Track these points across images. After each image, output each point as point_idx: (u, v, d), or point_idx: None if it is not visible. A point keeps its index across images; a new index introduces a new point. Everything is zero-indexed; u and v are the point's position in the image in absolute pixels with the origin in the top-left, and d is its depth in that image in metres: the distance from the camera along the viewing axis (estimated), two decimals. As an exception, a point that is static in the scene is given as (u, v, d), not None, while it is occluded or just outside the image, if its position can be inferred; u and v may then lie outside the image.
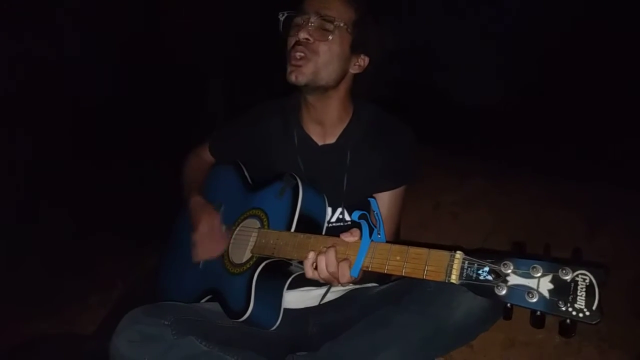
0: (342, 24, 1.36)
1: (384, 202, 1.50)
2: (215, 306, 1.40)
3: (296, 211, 1.33)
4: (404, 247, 1.05)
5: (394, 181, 1.52)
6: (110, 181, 3.67)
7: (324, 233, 1.38)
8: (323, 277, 1.16)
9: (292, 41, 1.39)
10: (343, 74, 1.43)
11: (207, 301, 1.46)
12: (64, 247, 2.97)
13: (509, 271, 0.88)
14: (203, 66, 5.08)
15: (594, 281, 0.81)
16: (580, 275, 0.83)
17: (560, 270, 0.84)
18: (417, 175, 1.57)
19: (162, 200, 2.11)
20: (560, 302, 0.82)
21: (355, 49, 1.41)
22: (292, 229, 1.31)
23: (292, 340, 1.42)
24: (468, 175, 3.06)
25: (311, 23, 1.36)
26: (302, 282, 1.41)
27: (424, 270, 0.99)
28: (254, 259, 1.34)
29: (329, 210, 1.45)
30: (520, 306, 0.86)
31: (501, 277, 0.89)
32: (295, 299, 1.47)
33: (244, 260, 1.38)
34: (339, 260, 1.12)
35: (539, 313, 0.84)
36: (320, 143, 1.53)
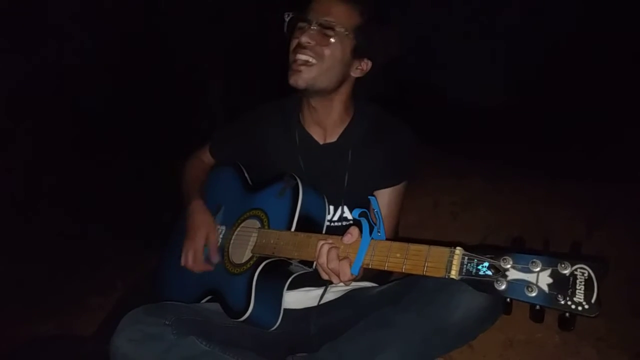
0: (343, 30, 1.36)
1: (384, 199, 1.50)
2: (216, 306, 1.40)
3: (296, 211, 1.33)
4: (404, 244, 1.05)
5: (394, 178, 1.52)
6: (110, 182, 3.67)
7: (324, 232, 1.38)
8: (325, 272, 1.16)
9: (294, 43, 1.39)
10: (344, 78, 1.44)
11: (207, 302, 1.46)
12: (63, 248, 2.97)
13: (508, 266, 0.89)
14: (203, 67, 5.09)
15: (592, 275, 0.82)
16: (579, 269, 0.83)
17: (559, 264, 0.84)
18: (417, 174, 1.57)
19: (162, 201, 2.11)
20: (559, 296, 0.82)
21: (358, 54, 1.41)
22: (293, 229, 1.31)
23: (292, 340, 1.43)
24: (467, 175, 3.07)
25: (313, 27, 1.37)
26: (301, 282, 1.42)
27: (424, 266, 0.99)
28: (254, 259, 1.35)
29: (330, 208, 1.45)
30: (519, 300, 0.86)
31: (500, 272, 0.89)
32: (295, 299, 1.47)
33: (244, 260, 1.39)
34: (339, 258, 1.12)
35: (538, 307, 0.85)
36: (321, 142, 1.54)
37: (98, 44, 4.39)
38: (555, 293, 0.83)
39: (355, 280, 1.17)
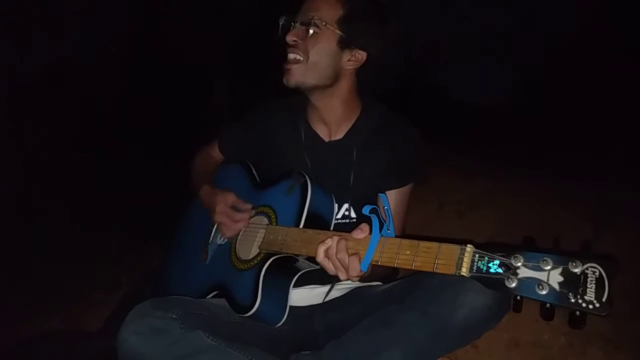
0: (322, 22, 1.39)
1: (391, 200, 1.49)
2: (222, 302, 1.40)
3: (305, 208, 1.33)
4: (414, 242, 1.05)
5: (399, 180, 1.52)
6: (116, 179, 3.68)
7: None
8: (333, 262, 1.16)
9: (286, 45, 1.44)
10: (336, 72, 1.44)
11: (213, 297, 1.46)
12: (69, 244, 2.98)
13: (519, 264, 0.88)
14: (208, 66, 5.10)
15: (603, 274, 0.82)
16: (590, 268, 0.83)
17: (570, 262, 0.84)
18: (423, 176, 1.57)
19: (168, 198, 2.12)
20: (570, 294, 0.82)
21: (345, 44, 1.42)
22: (301, 226, 1.32)
23: (297, 337, 1.42)
24: (473, 175, 3.07)
25: (297, 26, 1.42)
26: (307, 280, 1.42)
27: (434, 263, 0.99)
28: (262, 255, 1.35)
29: (336, 206, 1.45)
30: (530, 298, 0.86)
31: (511, 270, 0.89)
32: (300, 296, 1.47)
33: (252, 256, 1.39)
34: (349, 254, 1.12)
35: (548, 305, 0.85)
36: (326, 139, 1.54)
37: (104, 44, 4.41)
38: (566, 291, 0.83)
39: (363, 279, 1.17)
